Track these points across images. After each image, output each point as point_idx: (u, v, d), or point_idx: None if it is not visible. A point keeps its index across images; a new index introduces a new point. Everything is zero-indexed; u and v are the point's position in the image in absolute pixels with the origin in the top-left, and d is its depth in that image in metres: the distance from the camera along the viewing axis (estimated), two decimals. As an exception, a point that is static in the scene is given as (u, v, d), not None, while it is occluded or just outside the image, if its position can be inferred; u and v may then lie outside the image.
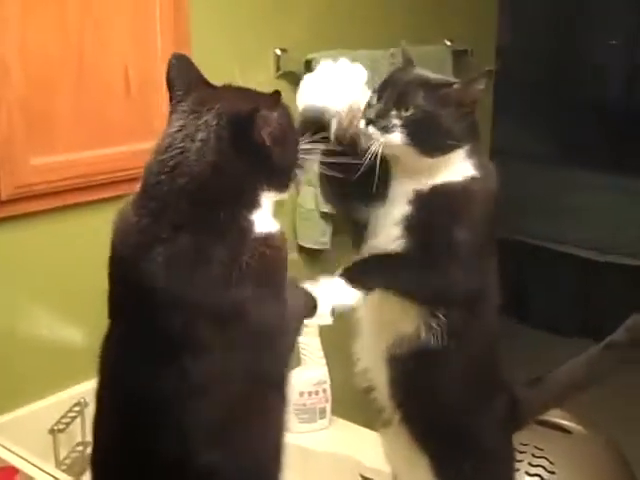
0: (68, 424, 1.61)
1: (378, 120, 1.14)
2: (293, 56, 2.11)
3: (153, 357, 0.93)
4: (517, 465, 2.05)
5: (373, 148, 1.13)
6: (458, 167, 1.17)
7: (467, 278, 1.16)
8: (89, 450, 1.61)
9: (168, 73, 1.01)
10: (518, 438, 2.09)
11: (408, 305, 1.17)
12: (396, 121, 1.14)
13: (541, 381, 1.33)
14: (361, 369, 1.29)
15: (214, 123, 0.94)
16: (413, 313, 1.18)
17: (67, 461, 1.62)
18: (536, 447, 2.13)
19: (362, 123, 1.16)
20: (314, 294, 1.08)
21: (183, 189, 0.92)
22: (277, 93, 0.97)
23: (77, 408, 1.64)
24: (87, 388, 1.61)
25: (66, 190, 1.67)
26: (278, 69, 2.09)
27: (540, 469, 2.08)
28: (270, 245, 0.96)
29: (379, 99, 1.17)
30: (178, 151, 0.93)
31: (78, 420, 1.64)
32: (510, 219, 3.87)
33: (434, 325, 1.17)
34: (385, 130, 1.14)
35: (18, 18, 1.54)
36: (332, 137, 1.19)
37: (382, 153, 1.14)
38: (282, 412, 1.02)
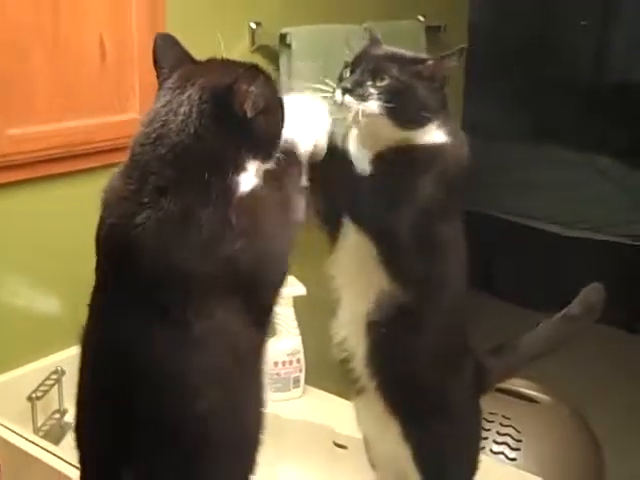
0: (46, 392, 1.63)
1: (355, 89, 1.17)
2: (268, 30, 2.12)
3: (144, 320, 0.95)
4: (485, 434, 2.12)
5: (350, 117, 1.16)
6: (429, 135, 1.20)
7: (420, 223, 1.18)
8: (66, 417, 1.66)
9: (154, 53, 1.03)
10: (486, 407, 2.16)
11: (379, 264, 1.19)
12: (372, 90, 1.16)
13: (503, 349, 1.37)
14: (339, 340, 1.31)
15: (196, 97, 0.96)
16: (385, 272, 1.20)
17: (44, 428, 1.63)
18: (504, 416, 2.19)
19: (337, 94, 1.18)
20: (292, 140, 1.08)
21: (164, 157, 0.95)
22: (256, 66, 0.99)
23: (54, 376, 1.65)
24: (64, 357, 1.66)
25: (42, 161, 1.67)
26: (253, 43, 2.11)
27: (507, 437, 2.15)
28: (256, 198, 0.98)
29: (352, 72, 1.19)
30: (161, 123, 0.96)
31: (55, 388, 1.66)
32: (479, 193, 3.93)
33: (404, 278, 1.19)
34: (362, 98, 1.16)
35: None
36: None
37: (356, 124, 1.17)
38: (262, 368, 1.05)
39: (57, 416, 1.67)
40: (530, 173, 4.31)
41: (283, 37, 2.13)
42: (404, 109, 1.17)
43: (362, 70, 1.19)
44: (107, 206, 0.98)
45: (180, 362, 0.95)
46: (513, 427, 2.17)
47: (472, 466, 1.34)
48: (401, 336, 1.23)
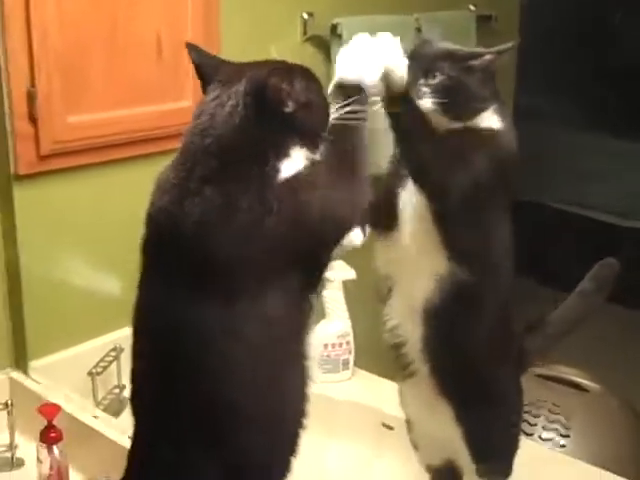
0: (105, 367, 1.70)
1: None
2: (319, 21, 2.15)
3: (191, 302, 0.99)
4: (534, 420, 2.13)
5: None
6: (486, 121, 1.23)
7: (472, 190, 1.19)
8: (125, 393, 1.73)
9: (193, 60, 1.08)
10: (536, 394, 2.17)
11: (433, 250, 1.22)
12: (425, 89, 1.20)
13: (535, 330, 1.39)
14: (392, 326, 1.33)
15: (241, 90, 1.00)
16: (438, 257, 1.22)
17: (104, 402, 1.71)
18: (553, 404, 2.18)
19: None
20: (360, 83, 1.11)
21: (209, 148, 0.99)
22: (298, 65, 1.04)
23: (113, 353, 1.73)
24: (123, 335, 1.70)
25: (100, 147, 1.74)
26: (305, 33, 2.14)
27: (557, 424, 2.14)
28: (299, 181, 1.01)
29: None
30: (209, 116, 1.01)
31: (114, 364, 1.73)
32: (534, 181, 3.90)
33: (461, 261, 1.21)
34: (415, 97, 1.19)
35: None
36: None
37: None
38: (307, 354, 1.07)
39: (116, 391, 1.75)
40: (586, 162, 4.25)
41: (334, 27, 2.16)
42: (457, 103, 1.20)
43: (415, 68, 1.21)
44: (158, 190, 1.03)
45: (220, 340, 1.00)
46: (563, 415, 2.16)
47: (516, 442, 1.37)
48: (460, 319, 1.25)
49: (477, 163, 1.20)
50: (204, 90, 1.06)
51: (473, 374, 1.28)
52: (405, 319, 1.31)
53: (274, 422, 1.05)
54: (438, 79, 1.20)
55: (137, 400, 1.10)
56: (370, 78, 1.13)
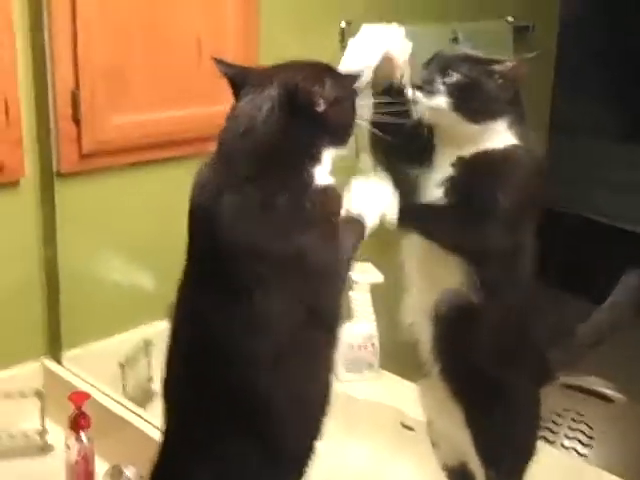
0: (135, 359, 1.76)
1: (424, 86, 1.22)
2: (357, 29, 2.18)
3: (222, 295, 1.05)
4: (556, 428, 2.14)
5: (420, 112, 1.22)
6: (500, 136, 1.23)
7: (503, 237, 1.22)
8: (153, 385, 1.79)
9: (223, 72, 1.14)
10: (560, 403, 2.17)
11: (451, 261, 1.24)
12: (441, 87, 1.21)
13: (561, 341, 1.40)
14: (406, 324, 1.36)
15: (275, 94, 1.06)
16: (456, 269, 1.24)
17: (133, 393, 1.76)
18: (577, 413, 2.18)
19: (409, 91, 1.24)
20: (359, 214, 1.15)
21: (252, 149, 1.05)
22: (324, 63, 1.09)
23: (143, 346, 1.79)
24: (153, 329, 1.79)
25: (139, 148, 1.80)
26: (343, 40, 2.17)
27: (579, 433, 2.13)
28: (327, 195, 1.08)
29: (426, 69, 1.25)
30: (247, 119, 1.07)
31: (144, 357, 1.79)
32: (569, 193, 3.88)
33: (475, 280, 1.23)
34: (430, 94, 1.21)
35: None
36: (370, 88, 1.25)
37: (429, 119, 1.23)
38: (331, 352, 1.12)
39: (145, 383, 1.80)
40: (623, 174, 4.23)
41: (372, 36, 2.20)
42: (471, 104, 1.21)
43: (434, 67, 1.24)
44: (197, 188, 1.09)
45: (245, 337, 1.05)
46: (586, 424, 2.16)
47: (529, 453, 1.37)
48: (465, 330, 1.27)
49: (500, 201, 1.20)
50: (236, 96, 1.11)
51: (483, 380, 1.29)
52: (417, 320, 1.33)
53: (301, 408, 1.11)
54: (455, 78, 1.21)
55: (173, 391, 1.15)
56: (370, 63, 1.17)
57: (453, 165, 1.24)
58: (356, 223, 1.14)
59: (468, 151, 1.24)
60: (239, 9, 1.89)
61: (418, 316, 1.33)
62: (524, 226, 1.28)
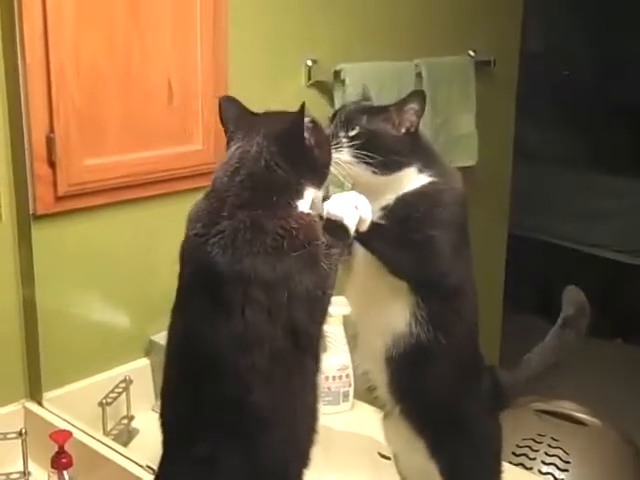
0: (115, 398, 1.77)
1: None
2: (323, 67, 2.24)
3: (215, 315, 1.11)
4: (533, 454, 2.16)
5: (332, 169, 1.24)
6: (414, 180, 1.29)
7: (446, 272, 1.28)
8: (133, 423, 1.81)
9: (221, 114, 1.22)
10: (534, 429, 2.20)
11: (398, 297, 1.29)
12: (344, 140, 1.27)
13: (516, 365, 1.43)
14: (362, 372, 1.41)
15: (263, 141, 1.15)
16: (403, 309, 1.29)
17: (114, 432, 1.78)
18: (552, 438, 2.20)
19: None
20: (339, 217, 1.20)
21: (240, 182, 1.14)
22: (302, 107, 1.15)
23: (123, 384, 1.80)
24: (132, 367, 1.81)
25: (113, 188, 1.83)
26: (309, 79, 2.23)
27: (555, 459, 2.16)
28: (310, 223, 1.15)
29: (331, 123, 1.30)
30: (237, 160, 1.16)
31: (124, 395, 1.80)
32: (536, 220, 3.95)
33: (421, 317, 1.28)
34: (335, 149, 1.25)
35: (73, 34, 1.71)
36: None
37: (342, 174, 1.26)
38: (316, 373, 1.18)
39: (125, 421, 1.82)
40: (591, 201, 4.30)
41: (337, 73, 2.25)
42: (374, 156, 1.25)
43: (337, 122, 1.29)
44: (192, 221, 1.17)
45: (235, 358, 1.10)
46: (562, 449, 2.18)
47: (495, 477, 1.41)
48: (418, 369, 1.32)
49: (435, 240, 1.26)
50: (227, 135, 1.21)
51: (441, 413, 1.33)
52: (371, 366, 1.38)
53: (289, 430, 1.15)
54: (356, 131, 1.26)
55: (166, 410, 1.20)
56: (351, 222, 1.20)
57: (381, 213, 1.28)
58: (339, 227, 1.20)
59: (389, 198, 1.29)
60: (208, 51, 1.94)
61: (371, 363, 1.38)
62: (462, 258, 1.32)
